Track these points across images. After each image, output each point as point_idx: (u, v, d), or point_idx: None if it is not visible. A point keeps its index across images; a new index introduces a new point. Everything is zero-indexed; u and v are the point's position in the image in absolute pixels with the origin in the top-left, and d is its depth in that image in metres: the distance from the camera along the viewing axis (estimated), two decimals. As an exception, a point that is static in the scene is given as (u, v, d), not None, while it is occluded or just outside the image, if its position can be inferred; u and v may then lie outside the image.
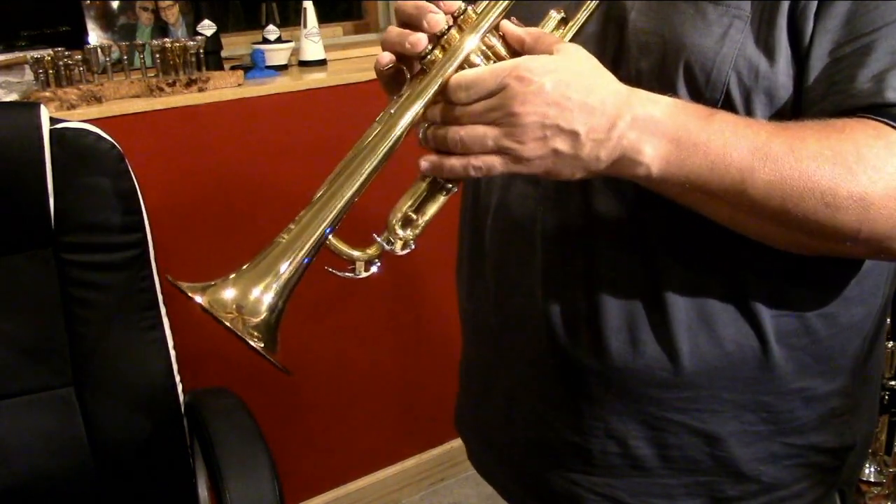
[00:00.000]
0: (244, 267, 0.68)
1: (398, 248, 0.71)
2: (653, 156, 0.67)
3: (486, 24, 0.69)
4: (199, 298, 0.65)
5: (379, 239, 0.71)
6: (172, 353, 1.32)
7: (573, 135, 0.66)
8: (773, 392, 0.80)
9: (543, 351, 0.84)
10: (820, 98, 0.70)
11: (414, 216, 0.72)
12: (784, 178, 0.66)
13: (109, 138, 1.23)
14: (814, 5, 0.69)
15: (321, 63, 1.98)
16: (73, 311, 1.25)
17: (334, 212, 0.68)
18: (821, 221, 0.67)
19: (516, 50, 0.71)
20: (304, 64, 1.98)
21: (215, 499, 1.17)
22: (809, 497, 0.86)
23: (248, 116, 1.77)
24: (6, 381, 1.23)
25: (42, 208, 1.20)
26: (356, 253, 0.72)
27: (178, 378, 1.33)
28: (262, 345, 0.66)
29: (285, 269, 0.67)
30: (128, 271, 1.26)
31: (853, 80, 0.68)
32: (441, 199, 0.72)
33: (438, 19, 0.69)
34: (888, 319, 0.91)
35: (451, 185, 0.72)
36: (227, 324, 0.65)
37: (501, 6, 0.70)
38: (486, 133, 0.66)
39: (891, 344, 1.35)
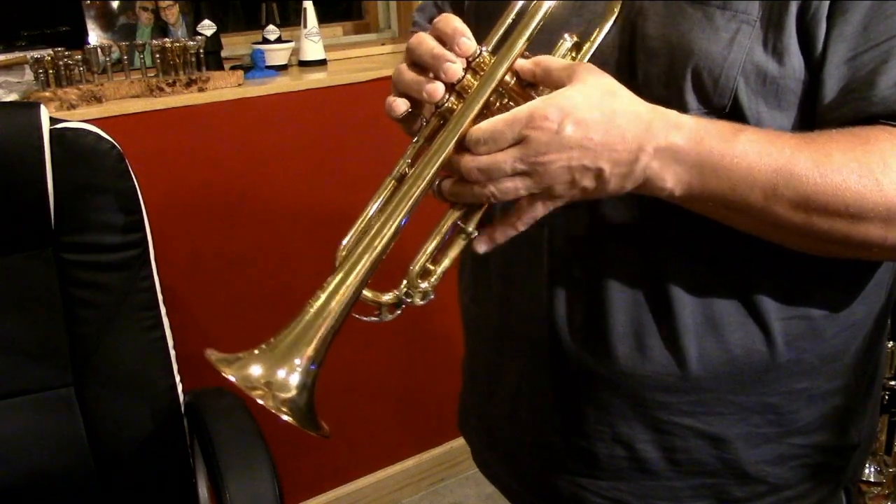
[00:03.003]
0: (273, 339, 0.67)
1: (418, 300, 0.72)
2: (676, 182, 0.68)
3: (500, 71, 0.69)
4: (230, 375, 0.64)
5: (398, 292, 0.71)
6: (172, 353, 1.32)
7: (598, 171, 0.67)
8: (779, 393, 0.80)
9: (549, 355, 0.84)
10: (838, 105, 0.69)
11: (431, 267, 0.72)
12: (809, 195, 0.66)
13: (109, 138, 1.23)
14: (825, 9, 0.68)
15: (321, 63, 1.98)
16: (73, 311, 1.25)
17: (360, 276, 0.68)
18: (847, 232, 0.67)
19: (530, 83, 0.70)
20: (304, 64, 1.98)
21: (215, 499, 1.17)
22: (815, 496, 0.86)
23: (248, 116, 1.77)
24: (6, 381, 1.23)
25: (42, 208, 1.20)
26: (383, 299, 0.71)
27: (178, 378, 1.33)
28: (293, 420, 0.65)
29: (313, 341, 0.67)
30: (128, 271, 1.26)
31: (873, 87, 0.68)
32: (461, 245, 0.72)
33: (456, 69, 0.68)
34: (889, 319, 0.91)
35: (470, 230, 0.71)
36: (259, 401, 0.64)
37: (516, 50, 0.69)
38: (516, 186, 0.67)
39: (891, 344, 1.35)
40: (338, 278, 0.68)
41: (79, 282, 1.24)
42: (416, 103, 0.72)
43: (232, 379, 0.64)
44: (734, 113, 0.71)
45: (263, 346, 0.67)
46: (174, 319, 1.33)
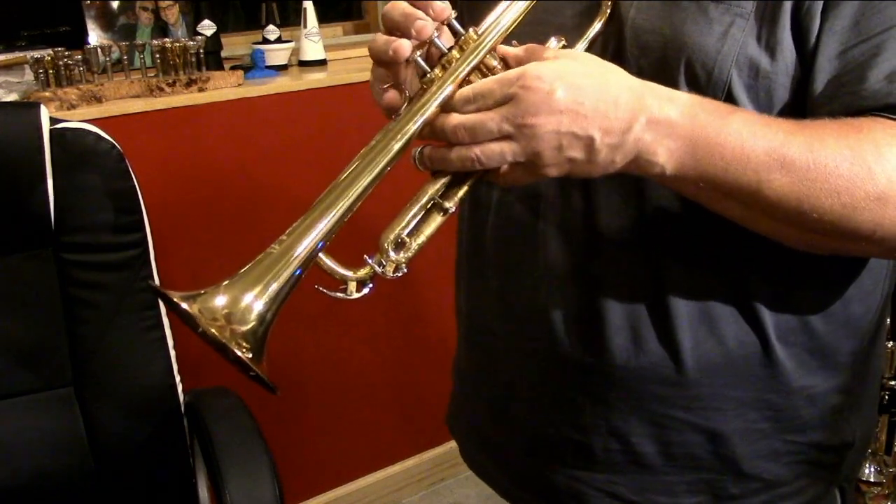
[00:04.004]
0: (234, 276, 0.65)
1: (389, 271, 0.69)
2: (668, 157, 0.67)
3: (486, 43, 0.69)
4: (185, 305, 0.63)
5: (370, 261, 0.69)
6: (172, 353, 1.32)
7: (588, 140, 0.65)
8: (778, 391, 0.80)
9: (545, 349, 0.84)
10: (828, 99, 0.69)
11: (407, 239, 0.69)
12: (801, 179, 0.66)
13: (109, 138, 1.23)
14: (819, 5, 0.68)
15: (321, 63, 1.98)
16: (73, 311, 1.25)
17: (328, 224, 0.65)
18: (837, 222, 0.67)
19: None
20: (304, 64, 1.98)
21: (215, 499, 1.17)
22: (810, 494, 0.86)
23: (248, 116, 1.77)
24: (6, 381, 1.23)
25: (42, 208, 1.20)
26: (348, 273, 0.69)
27: (178, 378, 1.33)
28: (250, 355, 0.63)
29: (275, 279, 0.65)
30: (128, 271, 1.26)
31: (864, 80, 0.68)
32: (438, 221, 0.70)
33: (427, 26, 0.67)
34: (888, 319, 0.91)
35: (448, 206, 0.69)
36: (214, 331, 0.62)
37: (502, 26, 0.69)
38: (502, 148, 0.65)
39: (891, 344, 1.35)
40: (304, 224, 0.65)
41: (79, 282, 1.24)
42: (397, 77, 0.71)
43: (185, 306, 0.62)
44: None
45: (224, 283, 0.65)
46: (174, 319, 1.33)
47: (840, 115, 0.68)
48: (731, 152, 0.66)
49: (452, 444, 2.22)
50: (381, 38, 0.70)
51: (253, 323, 0.64)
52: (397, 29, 0.69)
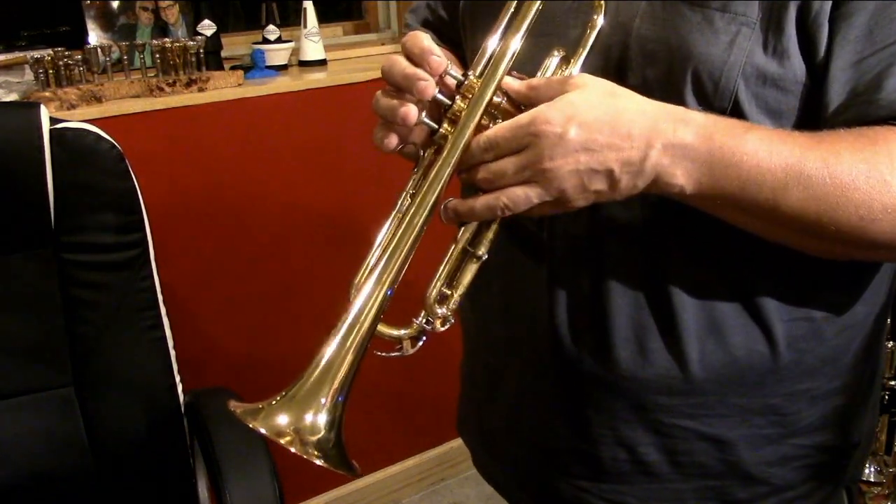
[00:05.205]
0: (292, 387, 0.66)
1: (438, 325, 0.71)
2: (686, 178, 0.67)
3: (488, 92, 0.68)
4: (259, 428, 0.64)
5: (419, 321, 0.71)
6: (172, 353, 1.32)
7: (608, 173, 0.66)
8: (780, 394, 0.80)
9: (550, 360, 0.84)
10: (843, 108, 0.69)
11: (448, 291, 0.71)
12: (818, 195, 0.66)
13: (109, 138, 1.23)
14: (826, 13, 0.68)
15: (321, 63, 1.98)
16: (73, 311, 1.25)
17: (373, 313, 0.67)
18: (855, 233, 0.67)
19: (522, 105, 0.70)
20: (304, 64, 1.98)
21: (215, 499, 1.17)
22: (818, 496, 0.86)
23: (248, 116, 1.77)
24: (6, 380, 1.23)
25: (42, 208, 1.19)
26: (402, 332, 0.72)
27: (178, 378, 1.33)
28: (323, 461, 0.65)
29: (334, 384, 0.66)
30: (128, 271, 1.26)
31: (880, 90, 0.68)
32: (473, 269, 0.72)
33: (429, 86, 0.68)
34: (888, 318, 0.91)
35: (481, 253, 0.71)
36: (293, 449, 0.64)
37: (500, 71, 0.69)
38: (527, 193, 0.66)
39: (891, 344, 1.35)
40: (350, 318, 0.67)
41: (79, 282, 1.24)
42: (401, 130, 0.72)
43: (263, 431, 0.64)
44: (734, 116, 0.71)
45: (284, 394, 0.66)
46: (174, 319, 1.33)
47: (855, 124, 0.68)
48: (748, 171, 0.66)
49: (452, 444, 2.22)
50: (383, 101, 0.70)
51: (323, 432, 0.65)
52: (399, 89, 0.70)
